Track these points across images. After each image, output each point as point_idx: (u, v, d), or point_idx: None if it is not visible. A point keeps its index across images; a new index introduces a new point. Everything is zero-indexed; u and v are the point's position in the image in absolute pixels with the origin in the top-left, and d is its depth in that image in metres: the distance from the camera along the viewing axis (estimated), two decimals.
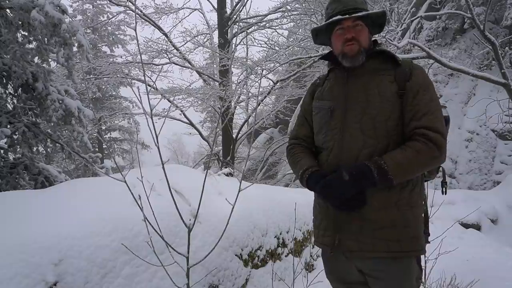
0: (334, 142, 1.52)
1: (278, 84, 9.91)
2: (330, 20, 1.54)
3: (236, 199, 1.74)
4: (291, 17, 10.50)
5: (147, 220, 1.67)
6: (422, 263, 1.63)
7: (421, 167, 1.44)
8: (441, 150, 1.41)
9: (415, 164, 1.41)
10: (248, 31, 11.16)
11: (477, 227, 6.53)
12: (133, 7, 10.40)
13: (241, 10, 10.82)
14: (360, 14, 1.48)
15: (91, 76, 10.86)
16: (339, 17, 1.50)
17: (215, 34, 11.34)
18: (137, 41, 1.82)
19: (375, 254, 1.44)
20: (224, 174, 4.21)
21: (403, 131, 1.47)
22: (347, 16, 1.49)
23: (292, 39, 11.35)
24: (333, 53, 1.62)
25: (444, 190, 1.71)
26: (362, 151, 1.46)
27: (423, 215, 1.55)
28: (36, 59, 4.91)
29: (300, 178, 1.59)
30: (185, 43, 10.85)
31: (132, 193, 1.69)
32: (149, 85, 8.74)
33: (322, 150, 1.59)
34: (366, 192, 1.44)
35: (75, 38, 4.69)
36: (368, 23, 1.55)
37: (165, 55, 10.38)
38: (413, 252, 1.46)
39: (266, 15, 10.83)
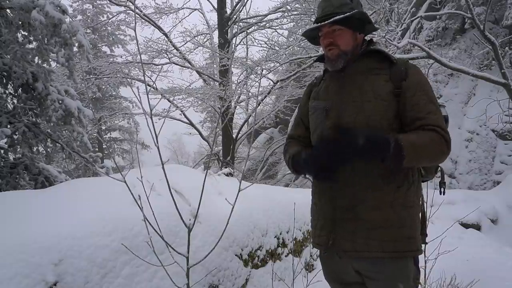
0: None
1: (278, 84, 9.90)
2: (307, 29, 1.60)
3: (236, 199, 1.74)
4: (291, 17, 10.50)
5: (147, 220, 1.67)
6: (422, 264, 1.62)
7: (430, 157, 1.42)
8: (449, 147, 1.42)
9: (427, 150, 1.38)
10: (248, 31, 11.15)
11: (477, 227, 6.50)
12: (133, 7, 10.40)
13: (241, 10, 10.81)
14: (330, 20, 1.48)
15: (91, 76, 10.86)
16: (314, 25, 1.54)
17: (215, 34, 11.34)
18: (137, 41, 1.81)
19: (369, 254, 1.44)
20: (224, 174, 4.21)
21: (405, 130, 1.45)
22: (320, 24, 1.51)
23: (292, 39, 11.34)
24: None
25: (442, 191, 1.70)
26: None
27: (420, 215, 1.54)
28: (36, 59, 4.92)
29: (289, 163, 1.60)
30: (185, 43, 10.85)
31: (132, 193, 1.69)
32: (149, 85, 8.74)
33: None
34: (340, 166, 1.40)
35: (75, 38, 4.69)
36: (354, 23, 1.52)
37: (165, 55, 10.37)
38: (409, 252, 1.45)
39: (266, 15, 10.82)
